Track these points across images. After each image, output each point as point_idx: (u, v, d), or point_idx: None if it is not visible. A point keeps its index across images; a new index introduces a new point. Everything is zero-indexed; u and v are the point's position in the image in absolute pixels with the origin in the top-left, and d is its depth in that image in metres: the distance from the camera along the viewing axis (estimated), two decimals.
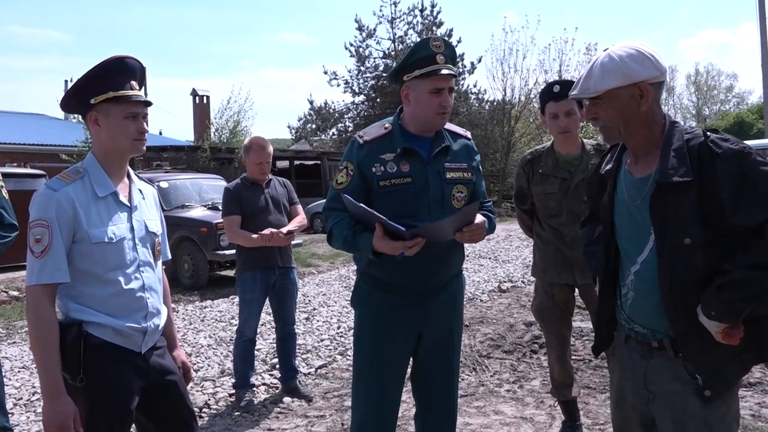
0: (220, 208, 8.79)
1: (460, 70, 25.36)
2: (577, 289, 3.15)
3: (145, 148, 2.04)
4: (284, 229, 3.86)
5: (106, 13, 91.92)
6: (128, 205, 2.02)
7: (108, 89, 1.91)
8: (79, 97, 1.95)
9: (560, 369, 3.19)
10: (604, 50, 1.74)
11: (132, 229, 2.00)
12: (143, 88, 2.03)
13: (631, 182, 1.75)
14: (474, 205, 2.13)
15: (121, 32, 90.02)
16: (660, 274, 1.63)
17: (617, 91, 1.66)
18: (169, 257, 2.25)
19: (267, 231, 3.77)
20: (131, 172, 2.11)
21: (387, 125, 2.30)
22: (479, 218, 2.14)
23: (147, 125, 2.01)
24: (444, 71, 2.16)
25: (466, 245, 2.36)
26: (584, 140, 3.13)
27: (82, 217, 1.87)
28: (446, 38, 2.25)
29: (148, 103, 2.01)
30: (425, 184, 2.21)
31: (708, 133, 1.63)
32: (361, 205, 2.06)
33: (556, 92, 2.99)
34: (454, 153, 2.31)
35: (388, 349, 2.26)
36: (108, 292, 1.91)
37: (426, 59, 2.16)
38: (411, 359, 2.37)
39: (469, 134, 2.46)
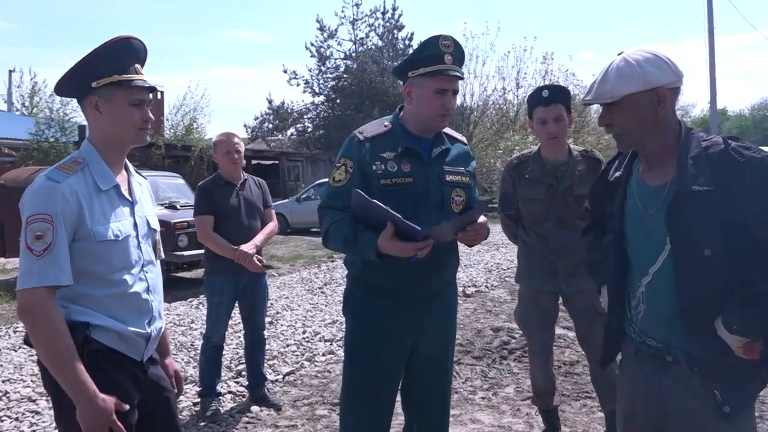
0: (178, 207, 8.67)
1: None
2: (561, 297, 3.12)
3: (148, 138, 1.87)
4: (256, 257, 3.64)
5: (52, 3, 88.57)
6: (130, 199, 1.86)
7: (112, 72, 1.73)
8: (78, 80, 1.75)
9: (543, 377, 3.14)
10: (619, 54, 1.69)
11: (135, 225, 1.84)
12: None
13: (644, 190, 1.70)
14: (482, 204, 2.10)
15: (67, 23, 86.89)
16: (677, 286, 1.58)
17: (635, 96, 1.60)
18: (163, 256, 2.07)
19: (248, 250, 3.60)
20: (128, 164, 1.93)
21: (386, 123, 2.22)
22: (481, 218, 2.10)
23: (151, 114, 1.85)
24: (451, 72, 2.10)
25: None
26: (571, 146, 3.10)
27: (86, 213, 1.69)
28: (455, 38, 2.16)
29: (153, 89, 1.83)
30: (425, 186, 2.14)
31: (729, 141, 1.59)
32: (375, 201, 1.94)
33: (544, 97, 2.96)
34: (453, 156, 2.26)
35: (384, 358, 2.16)
36: (111, 292, 1.73)
37: (434, 58, 2.09)
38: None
39: (465, 139, 2.41)
